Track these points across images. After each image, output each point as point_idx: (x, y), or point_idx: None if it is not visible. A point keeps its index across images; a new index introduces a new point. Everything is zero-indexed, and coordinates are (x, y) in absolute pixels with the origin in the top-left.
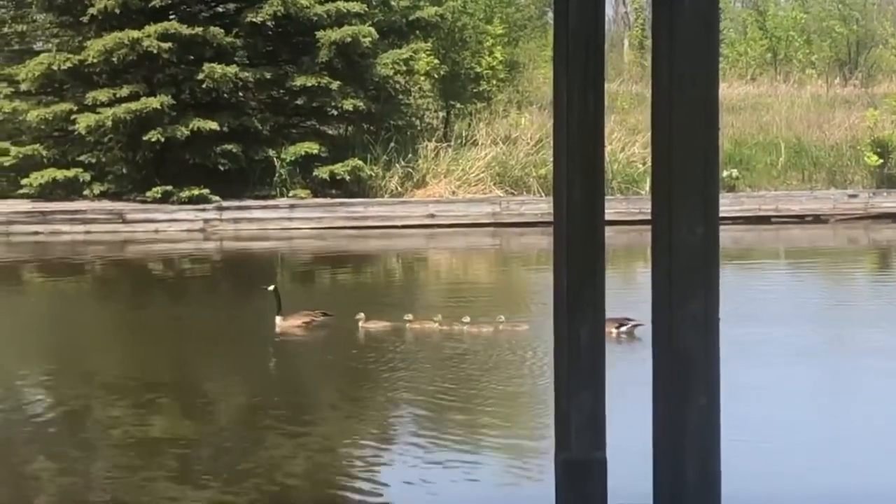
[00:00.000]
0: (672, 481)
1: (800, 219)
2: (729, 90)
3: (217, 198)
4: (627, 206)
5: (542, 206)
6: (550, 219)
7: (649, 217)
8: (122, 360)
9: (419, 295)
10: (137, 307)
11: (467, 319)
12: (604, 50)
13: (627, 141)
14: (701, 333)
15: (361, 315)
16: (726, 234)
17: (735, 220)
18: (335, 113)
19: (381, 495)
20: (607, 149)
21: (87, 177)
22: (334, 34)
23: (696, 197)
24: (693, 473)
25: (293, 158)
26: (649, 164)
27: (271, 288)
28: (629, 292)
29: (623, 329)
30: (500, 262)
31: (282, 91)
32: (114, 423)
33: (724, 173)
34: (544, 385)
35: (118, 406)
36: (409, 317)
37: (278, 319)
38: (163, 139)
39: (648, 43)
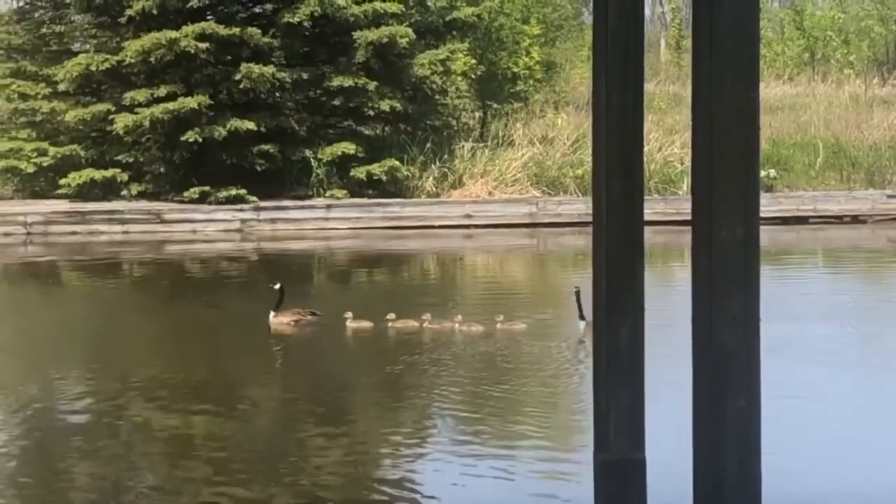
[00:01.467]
0: (712, 481)
1: (838, 219)
2: (766, 90)
3: (254, 198)
4: (665, 206)
5: (579, 207)
6: (587, 219)
7: (687, 217)
8: (159, 360)
9: (452, 295)
10: (175, 307)
11: (459, 318)
12: (643, 49)
13: (665, 141)
14: (741, 333)
15: (350, 314)
16: (764, 235)
17: (773, 221)
18: (372, 113)
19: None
20: (645, 149)
21: (125, 177)
22: (371, 35)
23: (736, 197)
24: (733, 473)
25: (330, 159)
26: (687, 164)
27: (277, 286)
28: (668, 292)
29: None
30: (536, 262)
31: (319, 91)
32: (150, 422)
33: (763, 173)
34: (514, 379)
35: (154, 404)
36: (392, 316)
37: (271, 315)
38: (200, 139)
39: (685, 43)
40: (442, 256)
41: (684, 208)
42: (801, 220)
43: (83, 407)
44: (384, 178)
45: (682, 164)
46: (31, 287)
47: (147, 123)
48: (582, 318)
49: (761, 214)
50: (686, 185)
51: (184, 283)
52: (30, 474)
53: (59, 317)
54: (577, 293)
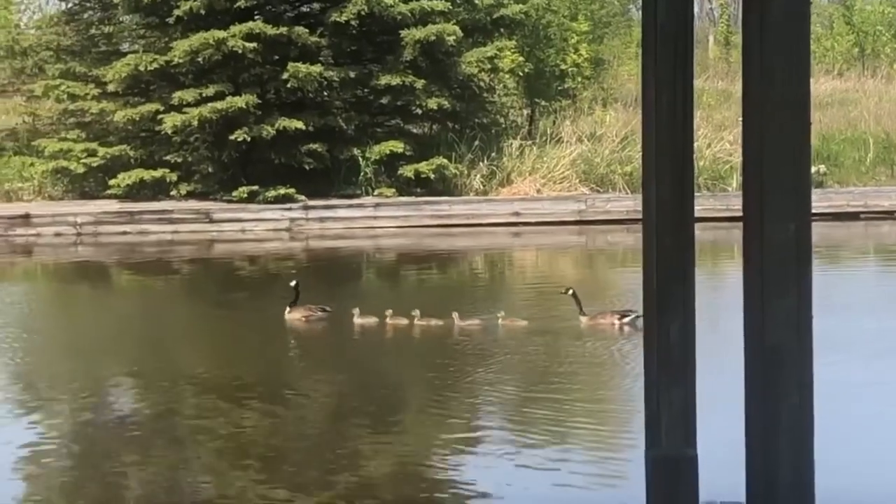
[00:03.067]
0: (765, 478)
1: (889, 214)
2: (816, 86)
3: (302, 197)
4: (714, 202)
5: (627, 204)
6: (636, 216)
7: (737, 214)
8: (209, 358)
9: (500, 292)
10: (224, 306)
11: (416, 313)
12: (692, 45)
13: (714, 137)
14: (793, 330)
15: (357, 310)
16: (814, 231)
17: (823, 217)
18: (420, 112)
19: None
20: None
21: (174, 177)
22: (418, 33)
23: (787, 193)
24: (786, 470)
25: (378, 157)
26: (736, 160)
27: (293, 284)
28: (718, 289)
29: (626, 320)
30: (585, 259)
31: (366, 90)
32: (201, 420)
33: (812, 169)
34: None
35: (205, 403)
36: (389, 312)
37: (286, 311)
38: (248, 139)
39: (734, 39)
40: (490, 254)
41: (733, 205)
42: (852, 216)
43: (134, 405)
44: (432, 176)
45: (731, 160)
46: (82, 287)
47: (195, 123)
48: (582, 314)
49: (812, 210)
50: (735, 181)
51: (233, 282)
52: (83, 470)
53: (110, 316)
54: (574, 293)
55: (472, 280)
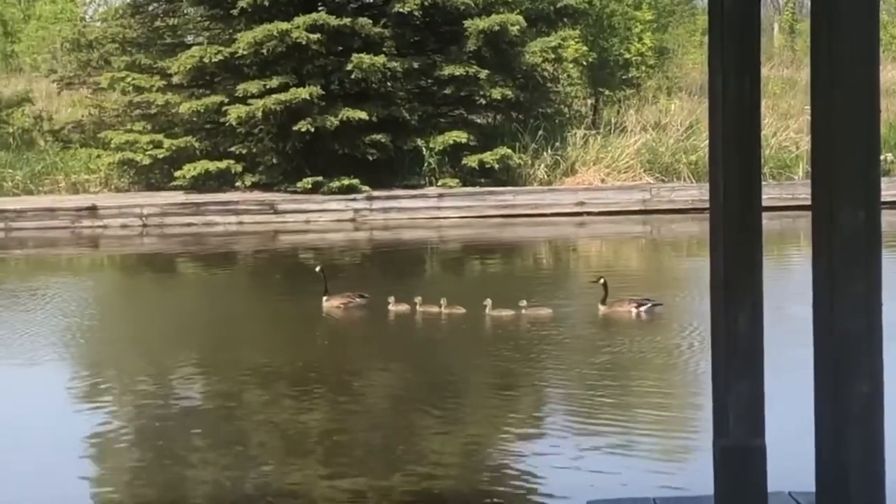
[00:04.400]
0: (835, 467)
1: None
2: (882, 73)
3: (366, 188)
4: (780, 191)
5: (692, 193)
6: (701, 205)
7: (803, 202)
8: (274, 349)
9: (562, 282)
10: (289, 296)
11: (443, 301)
12: (759, 33)
13: (779, 126)
14: (863, 318)
15: (392, 298)
16: (882, 219)
17: (891, 205)
18: (483, 102)
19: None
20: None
21: (239, 168)
22: (482, 23)
23: (857, 180)
24: (856, 459)
25: (441, 147)
26: (802, 148)
27: (318, 269)
28: (786, 277)
29: (643, 309)
30: (650, 249)
31: (430, 81)
32: (264, 409)
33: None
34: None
35: (269, 392)
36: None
37: (324, 300)
38: (312, 129)
39: (799, 27)
40: (554, 244)
41: (800, 193)
42: None
43: (199, 394)
44: (496, 166)
45: (796, 148)
46: (148, 278)
47: (260, 114)
48: (603, 303)
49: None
50: (801, 169)
51: (297, 272)
52: (147, 460)
53: (176, 307)
54: (605, 282)
55: (533, 270)
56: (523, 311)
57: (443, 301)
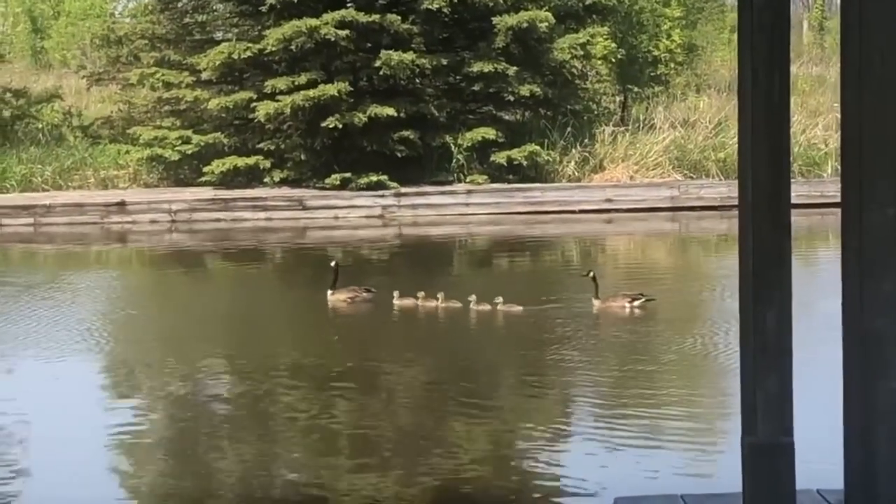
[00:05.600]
0: (863, 465)
1: None
2: None
3: (395, 184)
4: (809, 188)
5: (721, 190)
6: (730, 202)
7: (831, 200)
8: (303, 345)
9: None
10: (318, 292)
11: (440, 296)
12: (789, 31)
13: (808, 123)
14: (892, 315)
15: (396, 293)
16: None
17: None
18: (512, 98)
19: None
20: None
21: (268, 164)
22: (511, 19)
23: (887, 177)
24: (885, 458)
25: (470, 144)
26: (831, 146)
27: (333, 263)
28: (814, 275)
29: (636, 304)
30: (678, 246)
31: (458, 77)
32: (292, 404)
33: None
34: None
35: (296, 386)
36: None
37: (329, 293)
38: (341, 126)
39: (828, 24)
40: (582, 241)
41: (828, 191)
42: None
43: (227, 390)
44: (524, 163)
45: (825, 146)
46: (176, 273)
47: (288, 111)
48: (596, 297)
49: None
50: (830, 167)
51: (325, 269)
52: (176, 456)
53: (204, 302)
54: (594, 276)
55: (556, 267)
56: (498, 307)
57: (440, 295)
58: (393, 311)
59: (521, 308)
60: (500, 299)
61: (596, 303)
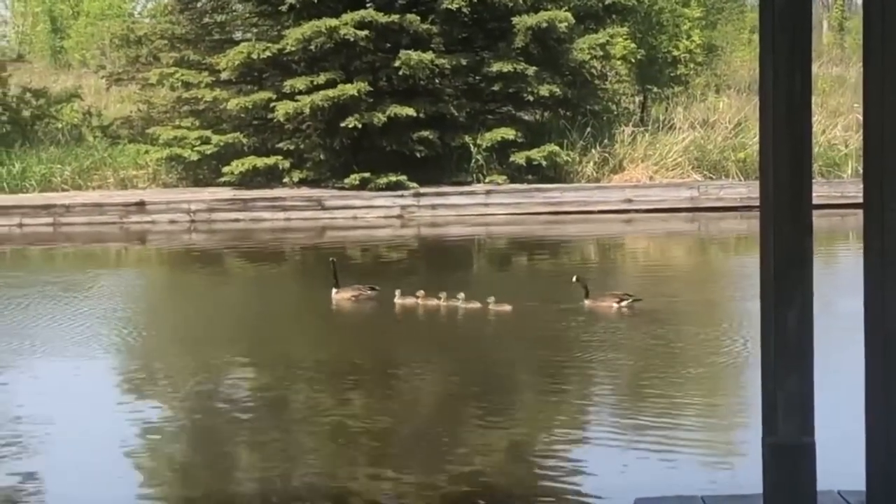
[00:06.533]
0: (885, 467)
1: None
2: None
3: (414, 184)
4: (829, 189)
5: (740, 191)
6: (749, 203)
7: (852, 200)
8: (321, 345)
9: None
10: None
11: (442, 295)
12: (811, 31)
13: (828, 124)
14: None
15: (398, 291)
16: None
17: None
18: (531, 98)
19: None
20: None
21: (287, 164)
22: (530, 20)
23: None
24: None
25: (489, 144)
26: (851, 146)
27: (331, 260)
28: (835, 275)
29: (623, 303)
30: (698, 246)
31: (478, 77)
32: (311, 403)
33: None
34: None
35: (314, 386)
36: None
37: (333, 292)
38: (360, 126)
39: (848, 24)
40: (602, 241)
41: (849, 191)
42: None
43: (245, 390)
44: (544, 163)
45: (845, 146)
46: (195, 273)
47: (307, 111)
48: (587, 297)
49: None
50: (850, 167)
51: (345, 269)
52: (195, 455)
53: (223, 302)
54: (580, 280)
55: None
56: (489, 305)
57: (442, 294)
58: (394, 310)
59: (509, 307)
60: (491, 298)
61: (587, 302)
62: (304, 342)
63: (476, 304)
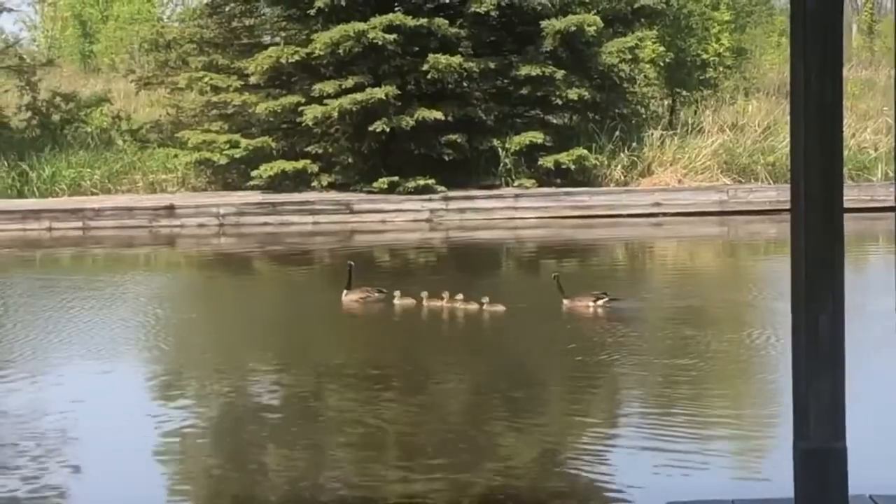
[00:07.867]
0: None
1: None
2: None
3: (442, 188)
4: (859, 192)
5: (770, 194)
6: (779, 206)
7: (882, 204)
8: (350, 348)
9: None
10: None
11: (445, 295)
12: (842, 34)
13: (858, 127)
14: None
15: (398, 293)
16: None
17: None
18: (560, 102)
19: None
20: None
21: (315, 168)
22: (559, 23)
23: None
24: None
25: (518, 148)
26: (881, 150)
27: (349, 264)
28: (865, 279)
29: (599, 303)
30: (726, 250)
31: (506, 81)
32: (339, 406)
33: None
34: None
35: (342, 390)
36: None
37: (343, 294)
38: (388, 129)
39: (878, 27)
40: (631, 245)
41: (879, 195)
42: None
43: (274, 394)
44: (572, 166)
45: (875, 150)
46: (224, 277)
47: (336, 115)
48: (565, 297)
49: None
50: (880, 171)
51: (373, 273)
52: (222, 459)
53: (252, 306)
54: (557, 278)
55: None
56: (484, 306)
57: (444, 295)
58: (394, 311)
59: (503, 307)
60: (486, 299)
61: (565, 302)
62: (302, 343)
63: (473, 305)
